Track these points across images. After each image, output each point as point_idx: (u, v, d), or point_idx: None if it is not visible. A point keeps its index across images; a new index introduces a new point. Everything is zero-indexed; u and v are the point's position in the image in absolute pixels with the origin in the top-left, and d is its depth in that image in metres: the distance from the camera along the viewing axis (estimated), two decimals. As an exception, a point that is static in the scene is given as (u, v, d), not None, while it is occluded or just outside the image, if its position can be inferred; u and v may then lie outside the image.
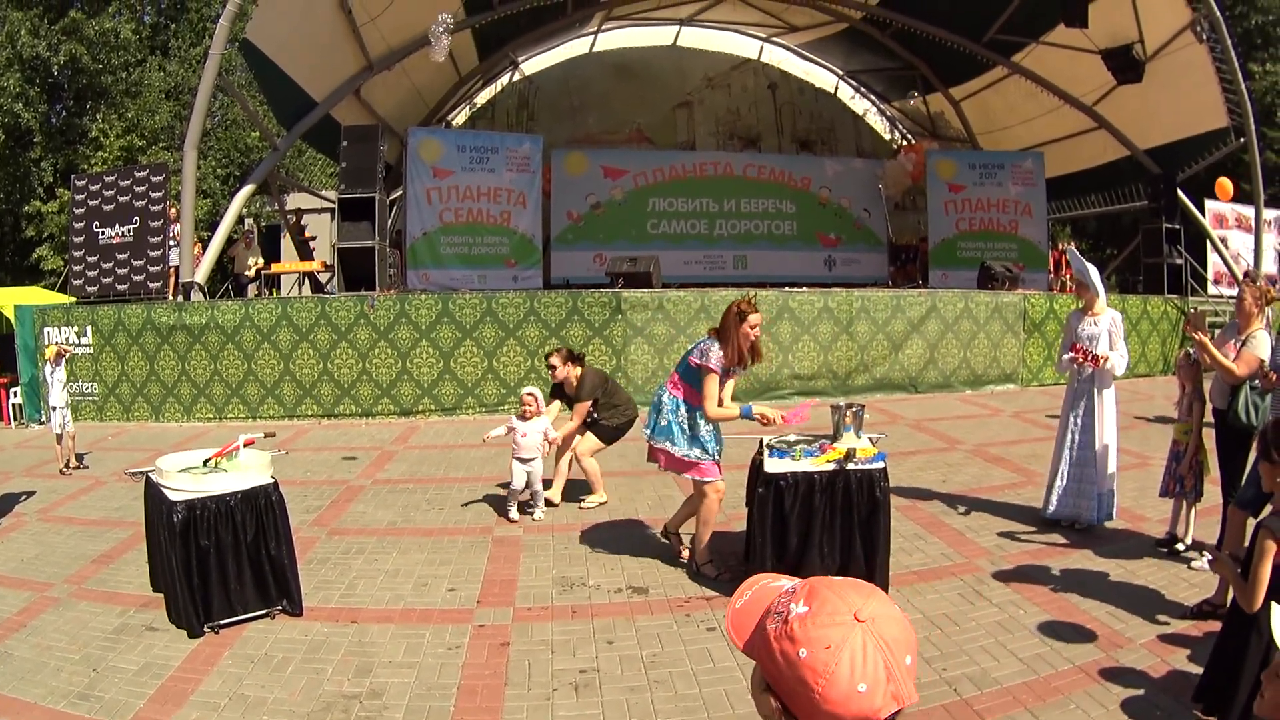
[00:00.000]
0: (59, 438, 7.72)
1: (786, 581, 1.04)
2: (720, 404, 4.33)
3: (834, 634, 0.90)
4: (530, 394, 5.65)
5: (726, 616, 1.05)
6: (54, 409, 7.81)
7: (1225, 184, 15.38)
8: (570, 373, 5.89)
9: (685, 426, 4.39)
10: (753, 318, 4.26)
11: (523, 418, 5.57)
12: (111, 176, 11.62)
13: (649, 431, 4.51)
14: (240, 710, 3.25)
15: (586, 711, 3.23)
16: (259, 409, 9.90)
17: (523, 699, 3.32)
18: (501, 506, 5.83)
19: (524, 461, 5.53)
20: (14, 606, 4.38)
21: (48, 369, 8.18)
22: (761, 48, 19.15)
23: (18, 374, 10.60)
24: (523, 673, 3.53)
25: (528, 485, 5.60)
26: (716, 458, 4.47)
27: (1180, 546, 4.79)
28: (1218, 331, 4.79)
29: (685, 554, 4.77)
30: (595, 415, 5.93)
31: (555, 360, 5.92)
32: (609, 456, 6.19)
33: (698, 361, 4.31)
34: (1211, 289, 15.77)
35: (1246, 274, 12.71)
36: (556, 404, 6.11)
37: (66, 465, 7.65)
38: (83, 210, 11.31)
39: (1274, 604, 1.99)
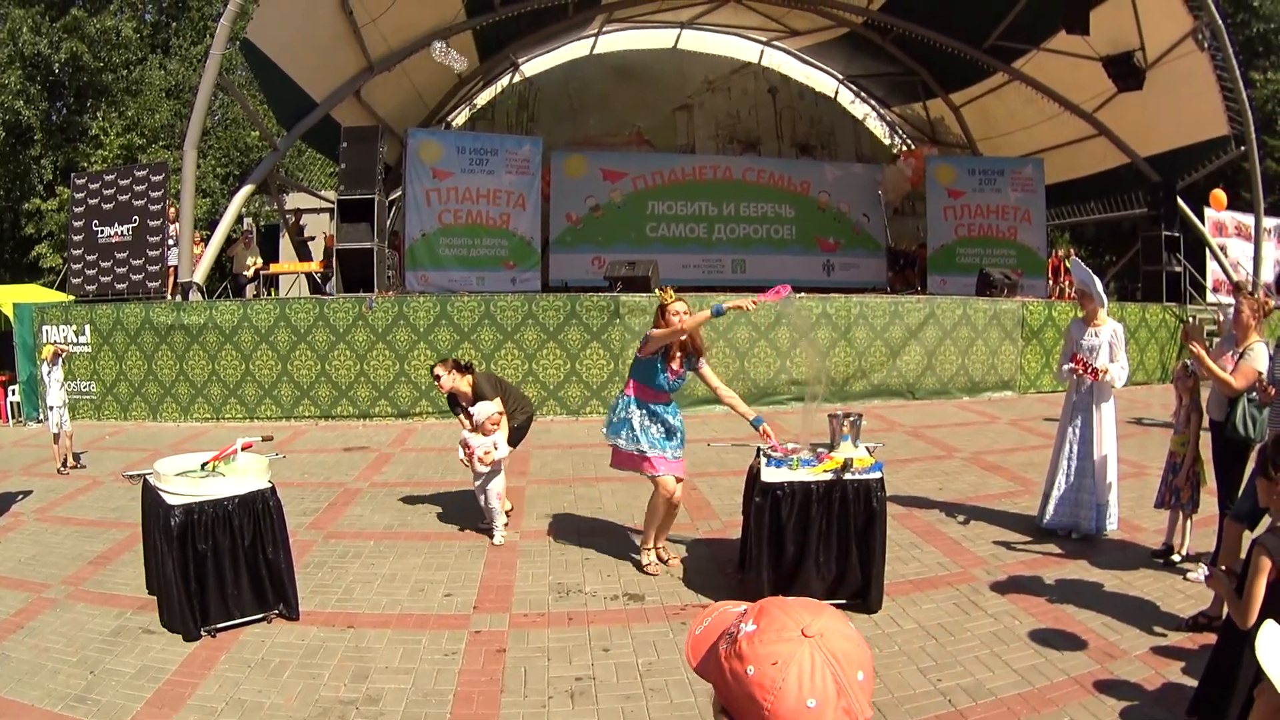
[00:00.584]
0: (56, 437, 7.72)
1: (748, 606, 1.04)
2: (699, 371, 4.70)
3: (781, 650, 0.89)
4: (500, 412, 5.39)
5: (686, 644, 1.04)
6: (51, 408, 7.80)
7: (1220, 195, 15.41)
8: (460, 382, 5.57)
9: (634, 422, 4.55)
10: (674, 306, 4.52)
11: (485, 434, 5.31)
12: (111, 175, 11.61)
13: (605, 430, 4.70)
14: (237, 715, 3.25)
15: (582, 720, 3.24)
16: (256, 409, 9.89)
17: (519, 706, 3.33)
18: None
19: (485, 478, 5.31)
20: (11, 607, 4.38)
21: (45, 368, 8.17)
22: (762, 51, 19.17)
23: (16, 372, 10.58)
24: (519, 679, 3.53)
25: (487, 503, 5.36)
26: (667, 453, 4.56)
27: (1176, 558, 4.80)
28: (1215, 341, 4.80)
29: (674, 561, 4.82)
30: None
31: (440, 371, 5.56)
32: (606, 461, 6.16)
33: (639, 350, 4.60)
34: (1210, 297, 15.81)
35: (1238, 285, 12.74)
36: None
37: (64, 464, 7.65)
38: (82, 209, 11.30)
39: (1265, 625, 2.00)
